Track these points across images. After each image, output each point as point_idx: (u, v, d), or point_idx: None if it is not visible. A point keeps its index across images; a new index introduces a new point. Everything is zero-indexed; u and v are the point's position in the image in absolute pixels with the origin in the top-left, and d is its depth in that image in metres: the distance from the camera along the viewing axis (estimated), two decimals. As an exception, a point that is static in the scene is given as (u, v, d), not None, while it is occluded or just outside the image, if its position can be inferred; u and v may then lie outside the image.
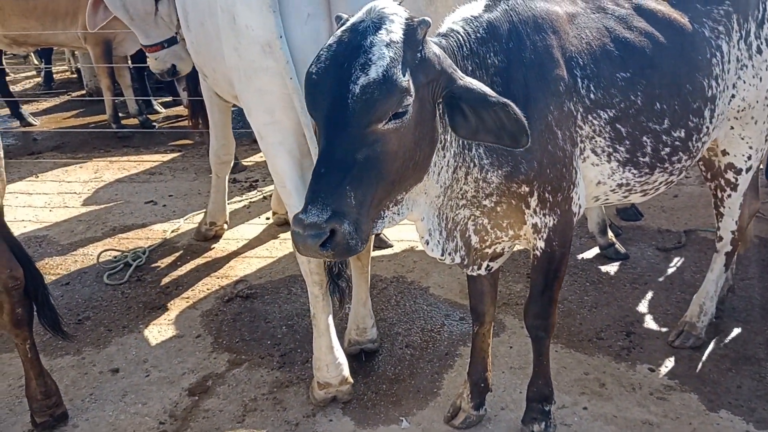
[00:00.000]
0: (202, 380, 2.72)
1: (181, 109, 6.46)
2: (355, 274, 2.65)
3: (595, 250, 3.51)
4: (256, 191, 4.62)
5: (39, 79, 7.77)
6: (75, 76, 7.97)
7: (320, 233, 1.44)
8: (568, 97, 1.87)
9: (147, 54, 3.43)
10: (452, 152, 1.76)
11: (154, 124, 6.04)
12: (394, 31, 1.54)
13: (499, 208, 1.92)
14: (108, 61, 5.50)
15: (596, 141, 1.97)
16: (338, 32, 1.56)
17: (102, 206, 4.42)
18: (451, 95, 1.62)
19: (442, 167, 1.75)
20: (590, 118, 1.93)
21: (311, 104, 1.54)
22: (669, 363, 2.66)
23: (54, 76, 7.76)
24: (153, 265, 3.67)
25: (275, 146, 2.29)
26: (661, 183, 2.18)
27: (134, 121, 6.06)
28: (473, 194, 1.88)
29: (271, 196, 4.51)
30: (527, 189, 1.89)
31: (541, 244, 2.00)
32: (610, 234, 3.45)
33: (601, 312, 3.00)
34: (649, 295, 3.14)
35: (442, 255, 1.93)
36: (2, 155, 2.21)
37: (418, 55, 1.56)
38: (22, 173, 5.04)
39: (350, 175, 1.47)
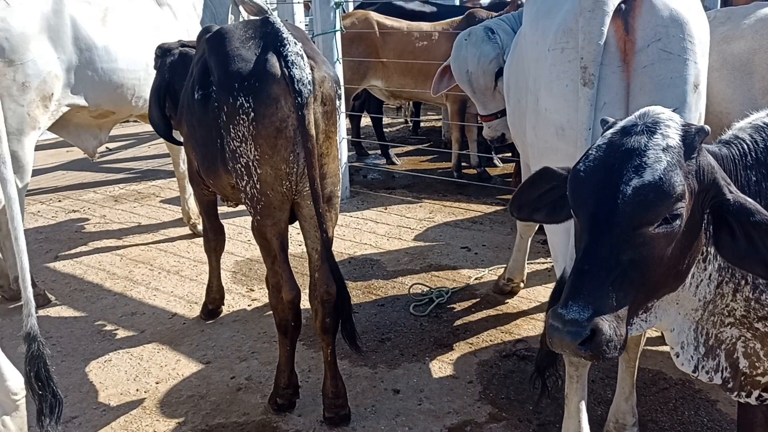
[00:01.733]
0: (462, 424, 2.94)
1: (518, 165, 6.87)
2: (620, 367, 2.57)
3: None
4: (564, 256, 4.69)
5: (408, 125, 9.06)
6: (439, 125, 9.09)
7: (580, 331, 1.44)
8: None
9: (482, 122, 3.85)
10: (716, 266, 1.66)
11: (491, 177, 6.55)
12: (671, 136, 1.54)
13: (776, 336, 1.72)
14: (461, 117, 6.20)
15: None
16: (608, 134, 1.61)
17: (426, 244, 5.03)
18: (719, 207, 1.55)
19: (701, 280, 1.66)
20: None
21: (576, 201, 1.60)
22: None
23: (420, 124, 8.96)
24: (451, 306, 4.05)
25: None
26: None
27: (473, 171, 6.67)
28: (743, 314, 1.72)
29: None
30: None
31: (831, 389, 1.71)
32: None
33: None
34: None
35: (695, 371, 1.80)
36: (339, 193, 2.81)
37: (693, 162, 1.54)
38: (376, 203, 6.01)
39: (613, 276, 1.48)
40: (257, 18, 2.73)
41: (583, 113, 2.15)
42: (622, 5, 2.12)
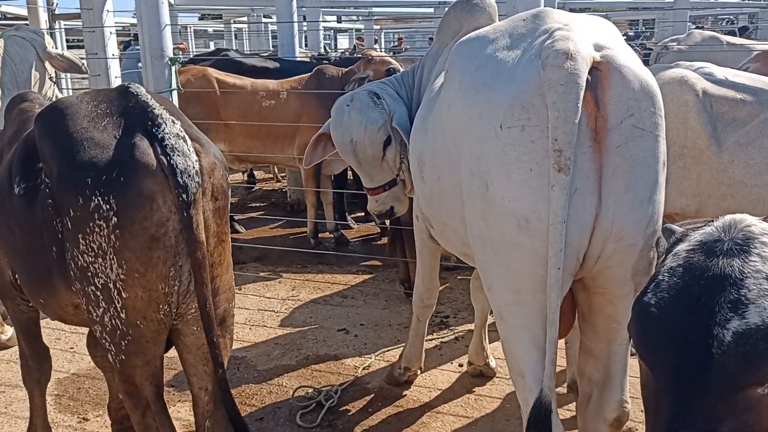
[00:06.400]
0: None
1: (372, 227, 6.52)
2: None
3: None
4: (447, 330, 4.35)
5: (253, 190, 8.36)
6: (277, 185, 8.52)
7: None
8: None
9: (369, 196, 3.39)
10: None
11: (349, 241, 6.13)
12: None
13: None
14: (317, 179, 5.72)
15: None
16: (681, 252, 1.23)
17: (297, 330, 4.40)
18: None
19: None
20: None
21: (647, 346, 1.20)
22: None
23: (254, 187, 8.32)
24: (344, 408, 3.47)
25: (517, 330, 2.00)
26: None
27: (329, 235, 6.19)
28: None
29: (463, 336, 4.22)
30: None
31: None
32: None
33: None
34: None
35: None
36: (234, 311, 2.16)
37: None
38: (225, 283, 5.24)
39: None
40: (111, 88, 2.03)
41: (558, 203, 1.78)
42: (588, 77, 1.81)
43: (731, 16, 18.20)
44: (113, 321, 1.91)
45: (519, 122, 1.86)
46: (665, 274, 1.20)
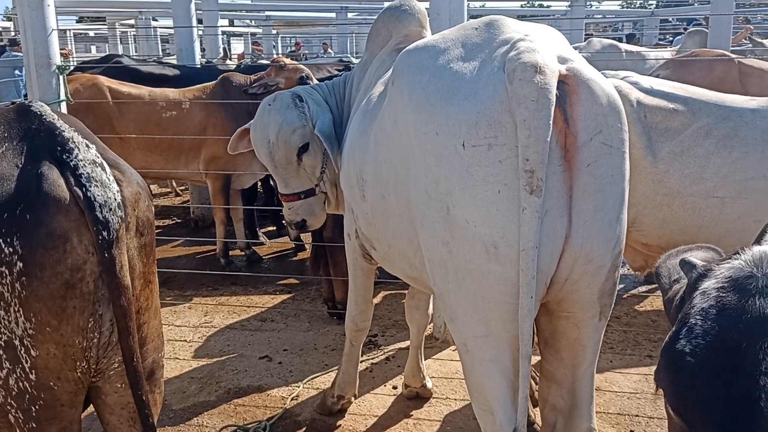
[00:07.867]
0: None
1: (286, 242, 6.25)
2: None
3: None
4: (377, 350, 4.18)
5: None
6: (177, 200, 8.03)
7: None
8: None
9: (283, 202, 3.19)
10: None
11: (261, 258, 5.83)
12: None
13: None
14: (226, 195, 5.38)
15: None
16: (711, 291, 1.10)
17: (214, 360, 4.07)
18: None
19: None
20: None
21: (683, 400, 1.07)
22: None
23: (155, 200, 7.80)
24: (276, 445, 3.22)
25: (485, 364, 1.86)
26: None
27: (240, 253, 5.86)
28: None
29: (394, 356, 4.07)
30: None
31: None
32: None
33: None
34: None
35: None
36: (163, 362, 1.87)
37: None
38: (128, 311, 4.79)
39: None
40: (8, 107, 1.69)
41: (530, 227, 1.66)
42: (556, 92, 1.70)
43: (617, 24, 19.34)
44: (20, 384, 1.57)
45: (485, 140, 1.72)
46: (697, 317, 1.08)
